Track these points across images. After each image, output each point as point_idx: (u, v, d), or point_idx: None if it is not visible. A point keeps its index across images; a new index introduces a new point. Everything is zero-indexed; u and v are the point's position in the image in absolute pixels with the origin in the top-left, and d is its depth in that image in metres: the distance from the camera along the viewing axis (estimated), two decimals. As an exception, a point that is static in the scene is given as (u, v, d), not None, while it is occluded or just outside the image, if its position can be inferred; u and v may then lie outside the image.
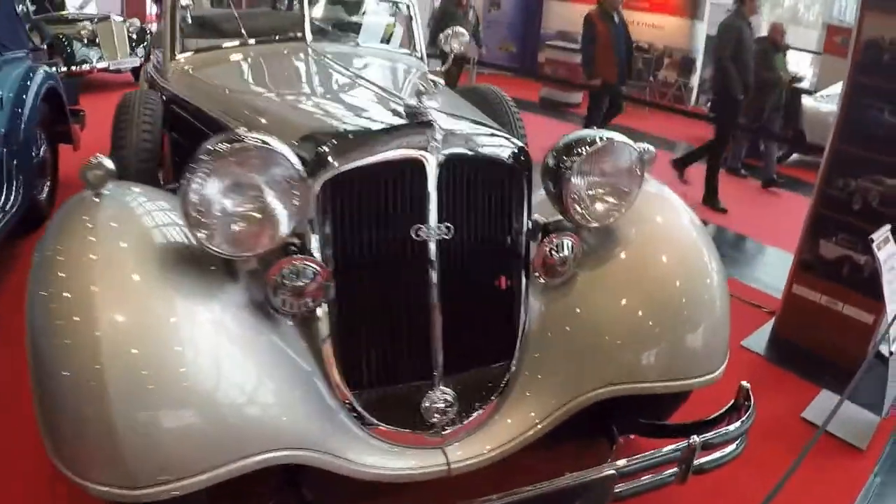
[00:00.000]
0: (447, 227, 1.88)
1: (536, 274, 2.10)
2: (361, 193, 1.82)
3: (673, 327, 2.05)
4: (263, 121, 2.37)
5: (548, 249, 2.06)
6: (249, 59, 3.29)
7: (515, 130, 3.53)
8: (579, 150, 2.04)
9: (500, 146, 2.03)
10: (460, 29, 3.31)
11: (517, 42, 13.26)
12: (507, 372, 2.06)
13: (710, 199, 6.46)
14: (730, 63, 6.09)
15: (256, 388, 1.61)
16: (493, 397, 2.02)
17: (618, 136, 2.10)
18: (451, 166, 1.88)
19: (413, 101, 1.89)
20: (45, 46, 5.40)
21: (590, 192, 2.07)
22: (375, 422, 1.87)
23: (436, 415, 1.90)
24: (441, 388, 1.92)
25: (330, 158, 1.79)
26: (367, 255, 1.86)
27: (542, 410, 1.99)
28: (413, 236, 1.85)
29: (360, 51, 3.67)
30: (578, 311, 2.09)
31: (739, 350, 3.80)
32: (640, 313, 2.04)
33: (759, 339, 3.97)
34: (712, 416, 2.17)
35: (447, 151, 1.86)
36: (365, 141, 1.86)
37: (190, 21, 3.35)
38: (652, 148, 2.20)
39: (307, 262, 1.72)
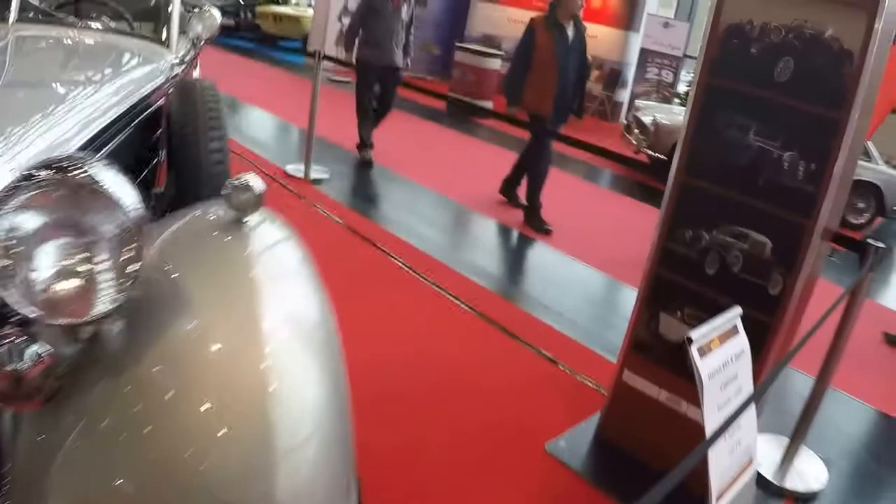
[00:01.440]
0: None
1: None
2: None
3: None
4: None
5: None
6: None
7: (205, 136, 2.37)
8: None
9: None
10: (211, 9, 2.85)
11: (442, 44, 12.09)
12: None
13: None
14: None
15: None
16: None
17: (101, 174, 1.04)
18: None
19: None
20: None
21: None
22: None
23: None
24: None
25: None
26: None
27: None
28: None
29: (78, 39, 2.67)
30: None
31: (544, 458, 2.64)
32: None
33: (575, 442, 2.79)
34: None
35: None
36: None
37: None
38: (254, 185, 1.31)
39: None
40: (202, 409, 0.99)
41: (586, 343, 3.63)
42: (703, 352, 1.80)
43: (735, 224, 2.40)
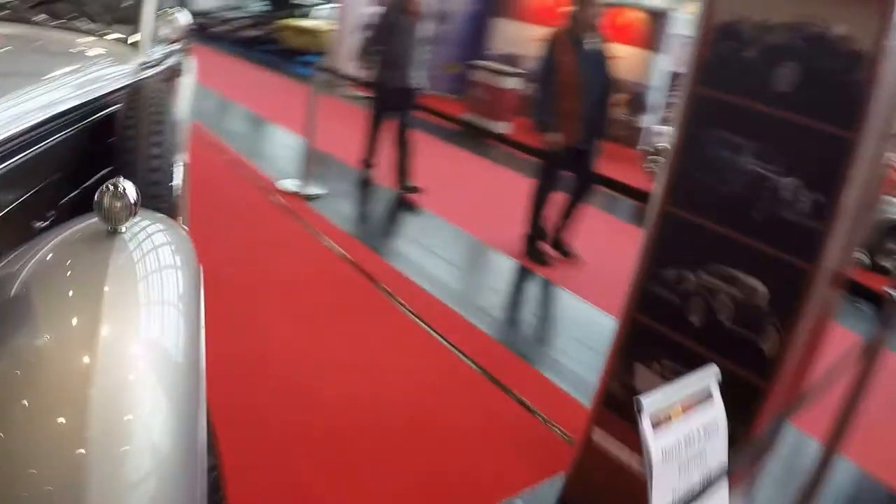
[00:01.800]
0: None
1: None
2: None
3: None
4: None
5: None
6: None
7: (144, 142, 2.16)
8: None
9: None
10: (179, 11, 2.79)
11: (464, 62, 11.77)
12: None
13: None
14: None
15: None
16: None
17: None
18: None
19: None
20: None
21: None
22: None
23: None
24: None
25: None
26: None
27: None
28: None
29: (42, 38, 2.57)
30: None
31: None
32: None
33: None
34: None
35: None
36: None
37: None
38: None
39: None
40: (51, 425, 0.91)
41: (568, 389, 3.21)
42: (658, 422, 1.41)
43: (724, 264, 1.99)
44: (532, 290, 4.52)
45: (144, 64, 2.69)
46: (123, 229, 1.20)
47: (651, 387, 2.19)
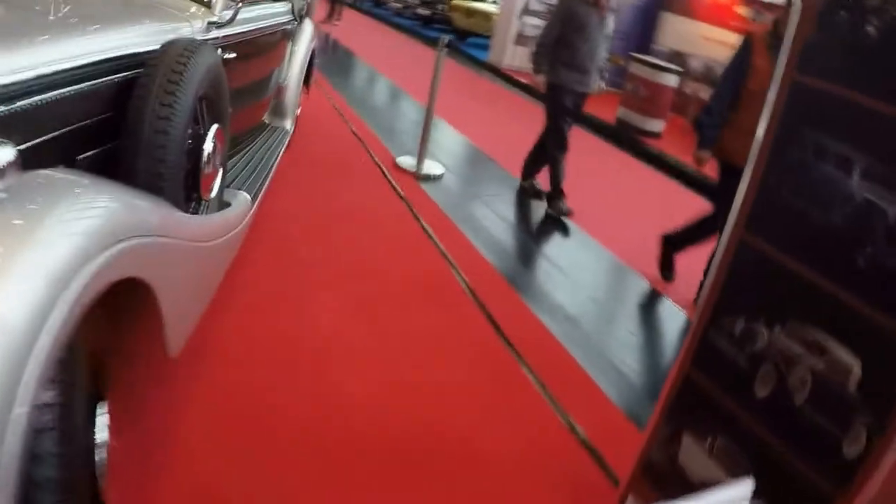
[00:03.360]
0: None
1: None
2: None
3: None
4: None
5: None
6: None
7: (151, 109, 1.98)
8: None
9: None
10: None
11: (627, 56, 11.04)
12: None
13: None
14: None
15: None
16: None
17: None
18: None
19: None
20: None
21: None
22: None
23: None
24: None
25: None
26: None
27: None
28: None
29: None
30: None
31: None
32: None
33: None
34: None
35: None
36: None
37: None
38: None
39: None
40: None
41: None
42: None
43: (810, 324, 1.44)
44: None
45: (215, 21, 2.52)
46: None
47: (698, 466, 1.68)
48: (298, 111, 4.74)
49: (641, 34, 10.94)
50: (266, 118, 4.10)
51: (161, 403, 2.09)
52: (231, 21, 2.64)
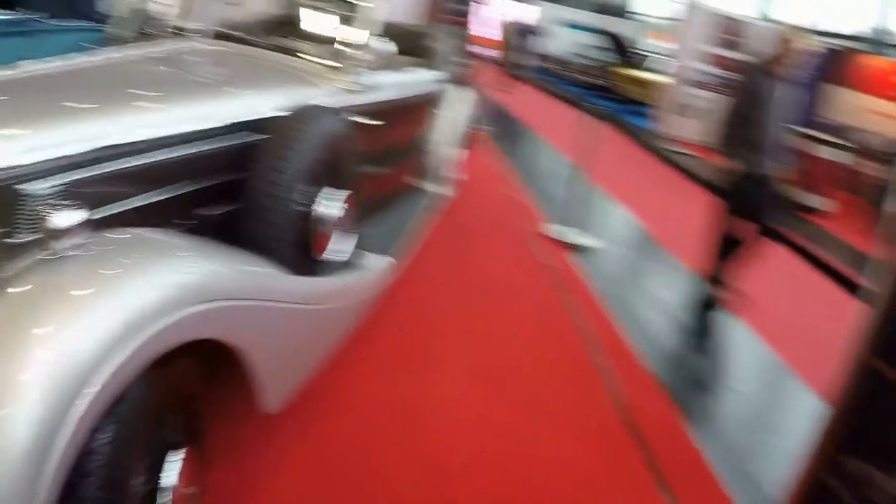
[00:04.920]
0: None
1: None
2: None
3: None
4: None
5: None
6: None
7: (264, 176, 2.11)
8: None
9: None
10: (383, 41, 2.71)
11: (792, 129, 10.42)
12: None
13: None
14: None
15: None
16: None
17: None
18: None
19: None
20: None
21: None
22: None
23: None
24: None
25: None
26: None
27: None
28: None
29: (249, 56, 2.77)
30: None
31: None
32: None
33: None
34: None
35: None
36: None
37: None
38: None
39: None
40: None
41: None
42: None
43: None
44: None
45: (348, 91, 2.63)
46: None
47: None
48: (455, 175, 4.78)
49: (808, 105, 10.33)
50: (415, 182, 4.13)
51: (257, 451, 2.12)
52: (365, 88, 2.71)
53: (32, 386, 0.99)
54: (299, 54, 2.74)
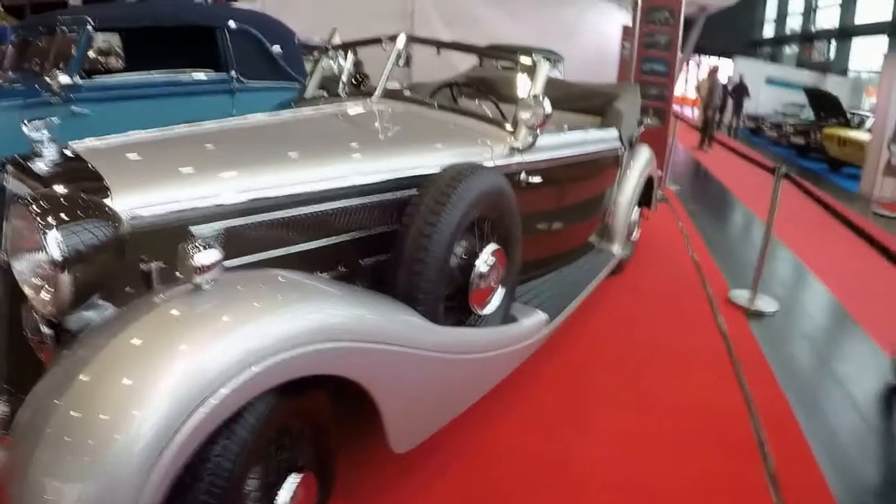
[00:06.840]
0: None
1: None
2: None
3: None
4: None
5: None
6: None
7: (414, 235, 2.18)
8: None
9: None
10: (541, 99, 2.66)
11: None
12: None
13: None
14: None
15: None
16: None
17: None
18: None
19: None
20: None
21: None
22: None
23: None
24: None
25: None
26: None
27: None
28: None
29: (427, 115, 2.95)
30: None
31: None
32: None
33: None
34: None
35: None
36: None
37: None
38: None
39: None
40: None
41: None
42: None
43: None
44: None
45: (515, 149, 2.69)
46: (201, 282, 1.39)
47: None
48: (634, 236, 4.70)
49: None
50: (591, 241, 4.12)
51: (386, 490, 2.19)
52: (531, 147, 2.73)
53: (165, 394, 1.18)
54: (473, 115, 2.86)
